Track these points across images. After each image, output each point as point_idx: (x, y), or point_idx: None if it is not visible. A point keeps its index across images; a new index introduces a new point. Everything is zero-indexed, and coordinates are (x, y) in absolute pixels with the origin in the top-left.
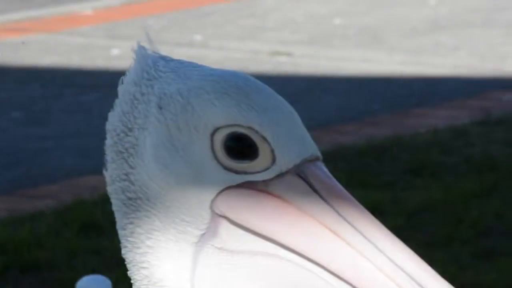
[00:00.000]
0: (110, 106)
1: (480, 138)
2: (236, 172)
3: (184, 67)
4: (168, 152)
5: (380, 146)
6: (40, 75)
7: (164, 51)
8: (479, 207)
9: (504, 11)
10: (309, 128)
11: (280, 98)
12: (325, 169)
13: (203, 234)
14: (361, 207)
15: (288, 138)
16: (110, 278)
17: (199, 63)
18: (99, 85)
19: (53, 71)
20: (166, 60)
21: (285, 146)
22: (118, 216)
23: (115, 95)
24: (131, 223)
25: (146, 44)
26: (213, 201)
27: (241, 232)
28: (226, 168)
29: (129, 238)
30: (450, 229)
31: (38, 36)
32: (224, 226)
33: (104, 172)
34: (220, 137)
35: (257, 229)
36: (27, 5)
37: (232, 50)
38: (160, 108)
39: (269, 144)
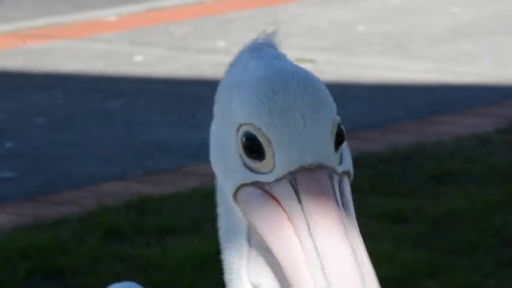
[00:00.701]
0: (133, 112)
1: (504, 146)
2: (251, 170)
3: (256, 59)
4: (215, 140)
5: (403, 154)
6: (64, 82)
7: (188, 57)
8: (502, 215)
9: None
10: None
11: (313, 101)
12: (323, 178)
13: (248, 225)
14: (336, 220)
15: (288, 144)
16: None
17: (222, 70)
18: (123, 92)
19: (76, 77)
20: (254, 48)
21: (283, 151)
22: None
23: (138, 101)
24: (219, 202)
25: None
26: (234, 195)
27: None
28: (245, 165)
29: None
30: (474, 237)
31: (61, 42)
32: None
33: None
34: (240, 133)
35: (257, 229)
36: (50, 11)
37: None
38: (216, 101)
39: (271, 147)
